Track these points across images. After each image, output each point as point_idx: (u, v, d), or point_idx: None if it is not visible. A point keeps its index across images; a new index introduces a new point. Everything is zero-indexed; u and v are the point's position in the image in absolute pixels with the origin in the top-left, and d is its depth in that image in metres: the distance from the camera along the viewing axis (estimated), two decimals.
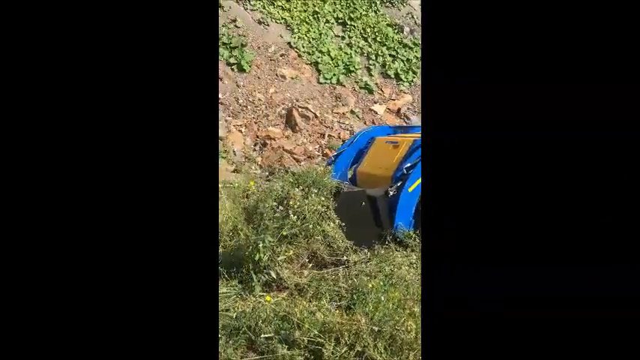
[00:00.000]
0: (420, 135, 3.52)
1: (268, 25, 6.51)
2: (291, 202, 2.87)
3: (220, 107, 5.64)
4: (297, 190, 2.96)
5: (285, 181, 3.09)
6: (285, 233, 2.72)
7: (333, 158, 4.08)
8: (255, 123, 5.73)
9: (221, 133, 5.32)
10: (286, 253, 2.69)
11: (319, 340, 1.95)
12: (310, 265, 2.78)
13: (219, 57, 5.93)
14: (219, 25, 6.11)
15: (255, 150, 5.50)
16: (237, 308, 2.35)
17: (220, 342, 2.13)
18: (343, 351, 1.90)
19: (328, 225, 2.86)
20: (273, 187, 3.03)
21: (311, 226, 2.81)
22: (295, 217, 2.78)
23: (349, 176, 3.86)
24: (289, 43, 6.50)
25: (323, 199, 2.94)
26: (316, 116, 6.07)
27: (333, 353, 1.91)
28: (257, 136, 5.64)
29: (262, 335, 2.08)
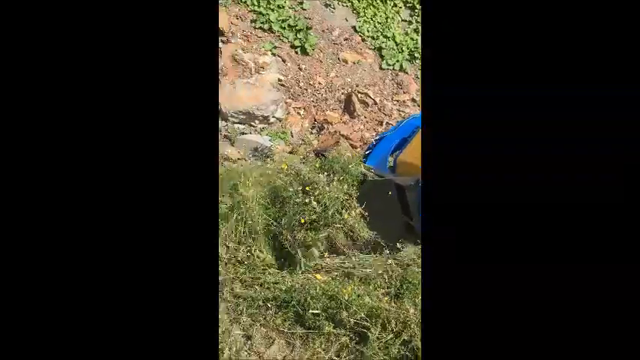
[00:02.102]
0: None
1: (334, 8, 6.46)
2: (308, 188, 2.88)
3: (282, 89, 5.73)
4: (321, 176, 2.97)
5: (311, 166, 3.11)
6: (303, 221, 2.76)
7: (374, 142, 4.00)
8: (314, 106, 5.77)
9: (280, 114, 5.42)
10: (310, 240, 2.74)
11: (365, 323, 1.97)
12: (326, 253, 2.81)
13: (284, 39, 6.00)
14: (286, 7, 6.16)
15: (312, 133, 5.55)
16: (287, 282, 2.43)
17: (270, 312, 2.23)
18: (389, 337, 1.91)
19: (349, 214, 2.85)
20: (300, 171, 3.06)
21: (330, 214, 2.81)
22: (316, 203, 2.80)
23: (389, 164, 3.79)
24: (354, 27, 6.42)
25: (346, 187, 2.93)
26: (375, 103, 5.99)
27: (378, 338, 1.92)
28: (315, 120, 5.69)
29: (310, 311, 2.13)
